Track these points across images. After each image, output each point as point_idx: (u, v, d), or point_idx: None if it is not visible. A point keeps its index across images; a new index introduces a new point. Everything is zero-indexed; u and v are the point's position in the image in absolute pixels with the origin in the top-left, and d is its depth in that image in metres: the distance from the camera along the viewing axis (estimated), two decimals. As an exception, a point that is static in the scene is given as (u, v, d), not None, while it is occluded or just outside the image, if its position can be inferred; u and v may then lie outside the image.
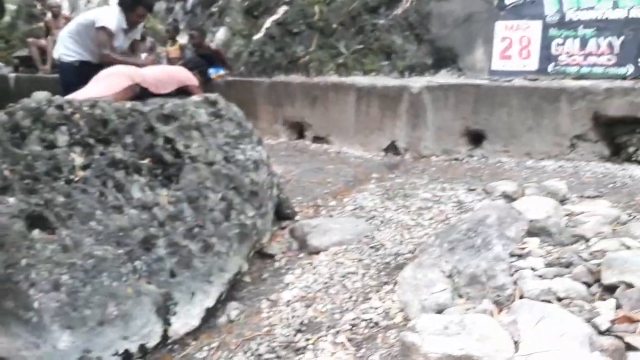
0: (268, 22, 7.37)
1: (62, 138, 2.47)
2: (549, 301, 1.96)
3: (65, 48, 4.68)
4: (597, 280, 2.05)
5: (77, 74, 4.45)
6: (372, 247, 2.82)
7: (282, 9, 7.28)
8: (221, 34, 7.74)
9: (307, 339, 2.11)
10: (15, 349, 2.02)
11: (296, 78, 6.44)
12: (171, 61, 7.14)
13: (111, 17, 4.51)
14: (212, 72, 6.58)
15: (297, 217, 3.35)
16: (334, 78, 6.03)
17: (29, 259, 2.09)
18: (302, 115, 5.95)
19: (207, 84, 5.65)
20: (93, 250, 2.21)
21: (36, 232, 2.16)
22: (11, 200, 2.19)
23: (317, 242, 2.93)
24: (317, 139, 5.81)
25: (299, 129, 6.09)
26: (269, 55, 6.99)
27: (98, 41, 4.49)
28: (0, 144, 2.36)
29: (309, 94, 5.87)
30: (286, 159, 4.96)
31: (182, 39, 8.17)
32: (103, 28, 4.45)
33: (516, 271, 2.23)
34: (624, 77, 4.68)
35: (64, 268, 2.12)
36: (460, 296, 2.17)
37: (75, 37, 4.65)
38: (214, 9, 8.34)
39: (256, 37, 7.44)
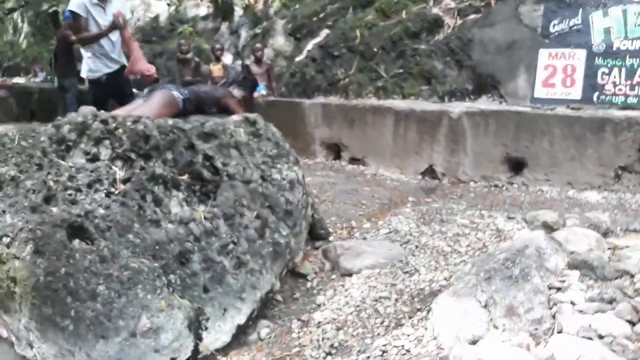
0: (310, 45, 7.47)
1: (105, 152, 2.53)
2: (589, 338, 1.88)
3: None
4: (642, 318, 1.97)
5: None
6: (406, 272, 2.78)
7: (324, 32, 7.38)
8: (265, 55, 7.88)
9: (337, 363, 2.09)
10: (51, 355, 2.06)
11: (335, 100, 6.48)
12: (214, 80, 7.30)
13: None
14: (255, 92, 6.70)
15: (330, 238, 3.33)
16: (372, 101, 6.04)
17: (68, 267, 2.13)
18: (340, 136, 5.96)
19: (249, 104, 5.75)
20: (129, 262, 2.24)
21: (76, 242, 2.21)
22: (54, 210, 2.25)
23: (350, 265, 2.90)
24: (353, 161, 5.81)
25: (336, 150, 6.10)
26: (310, 76, 7.07)
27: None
28: (46, 156, 2.44)
29: (347, 116, 5.89)
30: (322, 180, 4.97)
31: (226, 59, 8.35)
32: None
33: (555, 305, 2.16)
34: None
35: (101, 278, 2.16)
36: (496, 327, 2.11)
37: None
38: (258, 30, 8.52)
39: (298, 58, 7.55)
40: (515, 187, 4.60)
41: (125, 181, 2.47)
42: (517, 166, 4.79)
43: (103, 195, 2.38)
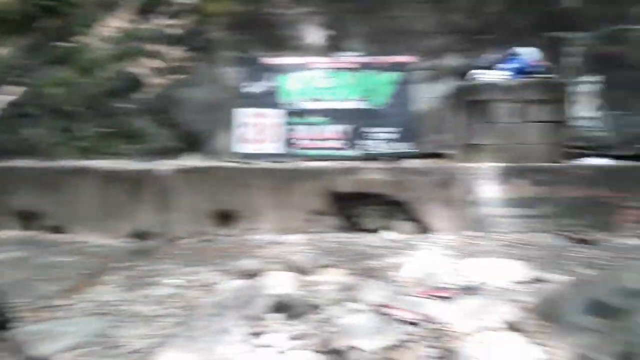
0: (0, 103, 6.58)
1: None
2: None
3: None
4: (331, 347, 2.17)
5: None
6: (110, 347, 2.55)
7: (18, 90, 6.60)
8: None
9: None
10: None
11: (30, 163, 5.77)
12: None
13: None
14: None
15: (22, 324, 2.87)
16: (71, 162, 5.57)
17: None
18: (38, 203, 5.30)
19: None
20: None
21: None
22: None
23: (44, 350, 2.53)
24: (53, 229, 5.20)
25: (33, 220, 5.39)
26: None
27: None
28: None
29: (44, 181, 5.29)
30: (14, 255, 4.32)
31: None
32: None
33: (259, 349, 2.24)
34: (350, 159, 5.37)
35: None
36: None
37: None
38: None
39: (-18, 119, 6.56)
40: (225, 238, 4.75)
41: None
42: (226, 218, 4.96)
43: None
